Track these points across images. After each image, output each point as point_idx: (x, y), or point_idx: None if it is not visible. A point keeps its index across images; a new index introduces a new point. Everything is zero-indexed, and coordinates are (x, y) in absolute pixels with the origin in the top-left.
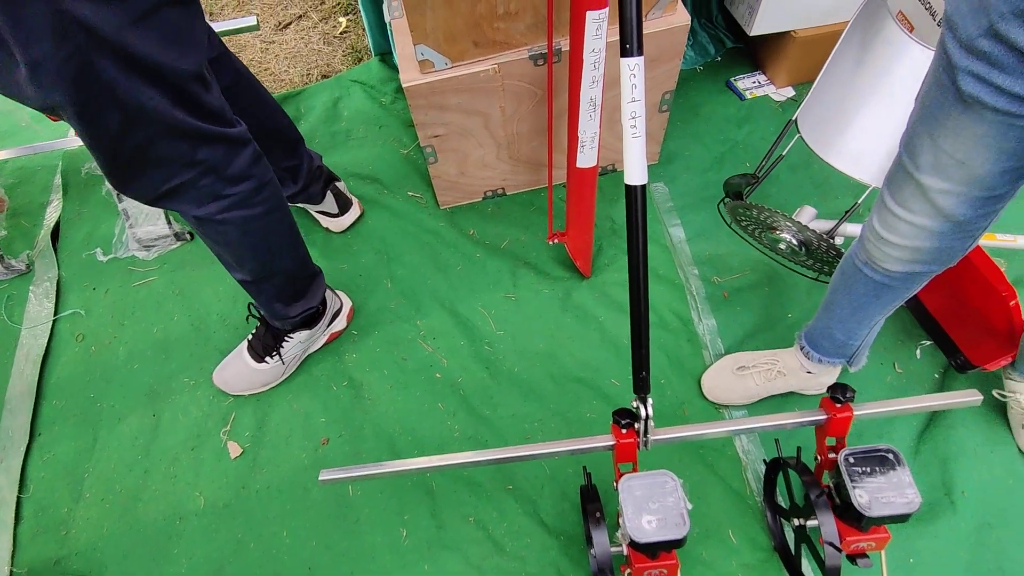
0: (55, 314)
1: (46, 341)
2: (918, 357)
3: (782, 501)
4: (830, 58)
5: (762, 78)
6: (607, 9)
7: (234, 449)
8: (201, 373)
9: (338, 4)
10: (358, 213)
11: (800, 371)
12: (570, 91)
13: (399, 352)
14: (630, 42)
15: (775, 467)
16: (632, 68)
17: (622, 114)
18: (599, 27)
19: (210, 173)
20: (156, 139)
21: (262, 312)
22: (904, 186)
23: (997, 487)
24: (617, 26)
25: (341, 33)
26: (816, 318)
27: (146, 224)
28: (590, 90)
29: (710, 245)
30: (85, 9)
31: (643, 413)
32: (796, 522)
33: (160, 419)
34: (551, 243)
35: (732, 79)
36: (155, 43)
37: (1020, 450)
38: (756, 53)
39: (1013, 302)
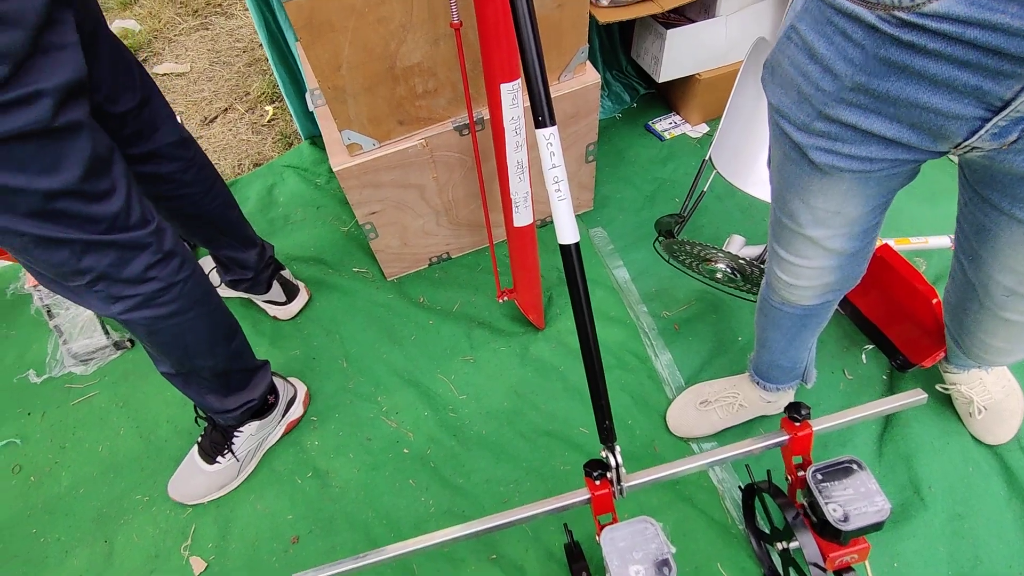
0: None
1: None
2: (864, 361)
3: (763, 526)
4: (731, 98)
5: (677, 118)
6: (519, 80)
7: (198, 565)
8: (155, 487)
9: (263, 93)
10: (306, 298)
11: (760, 401)
12: (497, 157)
13: (363, 432)
14: (542, 114)
15: (751, 493)
16: (548, 137)
17: (545, 179)
18: (514, 97)
19: (103, 279)
20: (32, 248)
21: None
22: (794, 241)
23: (959, 477)
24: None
25: (269, 121)
26: (757, 353)
27: (81, 338)
28: (515, 154)
29: (654, 281)
30: None
31: (613, 462)
32: (780, 546)
33: (113, 545)
34: (501, 301)
35: (650, 122)
36: (4, 171)
37: (972, 436)
38: (668, 96)
39: (935, 300)
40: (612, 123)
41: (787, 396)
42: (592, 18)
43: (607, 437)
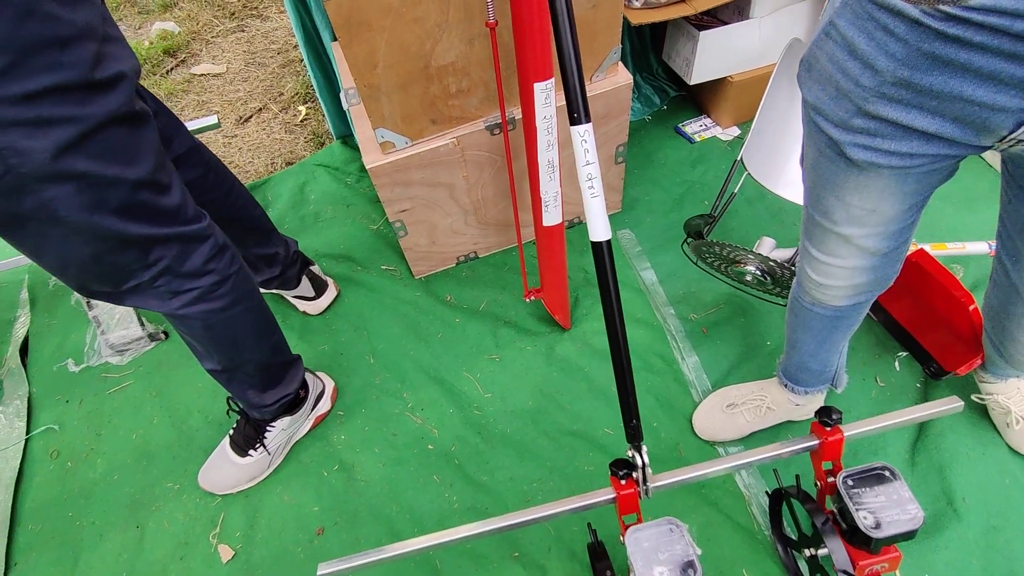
0: (27, 433)
1: (18, 463)
2: (897, 369)
3: (790, 532)
4: (763, 99)
5: (708, 121)
6: (552, 80)
7: (225, 553)
8: (186, 476)
9: (296, 94)
10: (335, 294)
11: (788, 404)
12: (528, 156)
13: (388, 428)
14: (577, 111)
15: (778, 498)
16: (582, 135)
17: (579, 176)
18: (547, 96)
19: (165, 273)
20: (105, 253)
21: (238, 403)
22: (827, 239)
23: (995, 489)
24: (563, 91)
25: (302, 121)
26: (786, 355)
27: (118, 329)
28: (546, 153)
29: (682, 284)
30: (13, 135)
31: (639, 461)
32: (807, 552)
33: (144, 531)
34: (528, 300)
35: (680, 125)
36: (98, 160)
37: (1010, 448)
38: (699, 99)
39: (972, 306)
40: (642, 125)
41: (816, 401)
42: (624, 20)
43: (634, 436)
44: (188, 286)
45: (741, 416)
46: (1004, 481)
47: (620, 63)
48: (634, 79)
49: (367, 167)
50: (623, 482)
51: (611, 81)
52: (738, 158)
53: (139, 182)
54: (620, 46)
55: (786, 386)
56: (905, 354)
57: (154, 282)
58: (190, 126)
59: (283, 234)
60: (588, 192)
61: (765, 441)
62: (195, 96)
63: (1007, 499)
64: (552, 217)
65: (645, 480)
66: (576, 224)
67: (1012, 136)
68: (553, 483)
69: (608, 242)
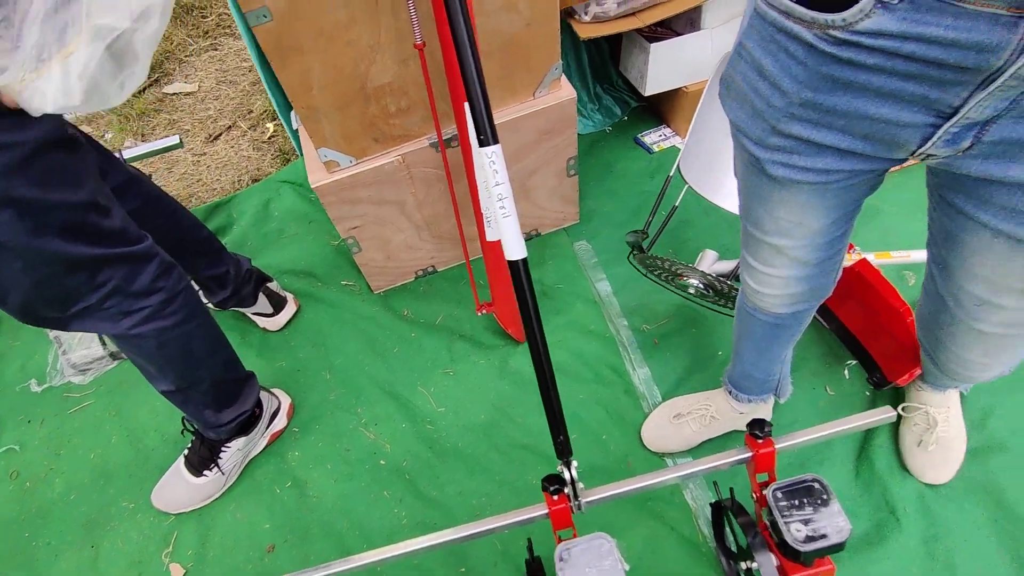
0: None
1: None
2: (847, 377)
3: (732, 545)
4: (698, 109)
5: (667, 131)
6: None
7: (176, 571)
8: (141, 495)
9: (265, 111)
10: (294, 309)
11: (732, 412)
12: (467, 174)
13: (342, 444)
14: (484, 133)
15: (718, 510)
16: (490, 156)
17: (491, 197)
18: None
19: (115, 294)
20: (51, 277)
21: (194, 423)
22: (760, 249)
23: (935, 497)
24: (511, 107)
25: (269, 138)
26: (732, 363)
27: (80, 348)
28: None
29: (636, 295)
30: None
31: (567, 476)
32: (744, 566)
33: (99, 550)
34: (480, 314)
35: (639, 135)
36: (39, 185)
37: (907, 471)
38: (658, 109)
39: (910, 318)
40: (602, 136)
41: (761, 410)
42: (575, 33)
43: (562, 452)
44: (138, 305)
45: (688, 426)
46: (943, 491)
47: (564, 78)
48: (594, 91)
49: (312, 186)
50: (555, 497)
51: (554, 96)
52: (674, 168)
53: (81, 204)
54: (560, 62)
55: (731, 393)
56: (855, 363)
57: (103, 303)
58: (152, 147)
59: (235, 253)
60: (500, 212)
61: (714, 452)
62: (167, 115)
63: (946, 508)
64: (495, 232)
65: (576, 495)
66: (534, 236)
67: (921, 150)
68: (502, 497)
69: (524, 260)
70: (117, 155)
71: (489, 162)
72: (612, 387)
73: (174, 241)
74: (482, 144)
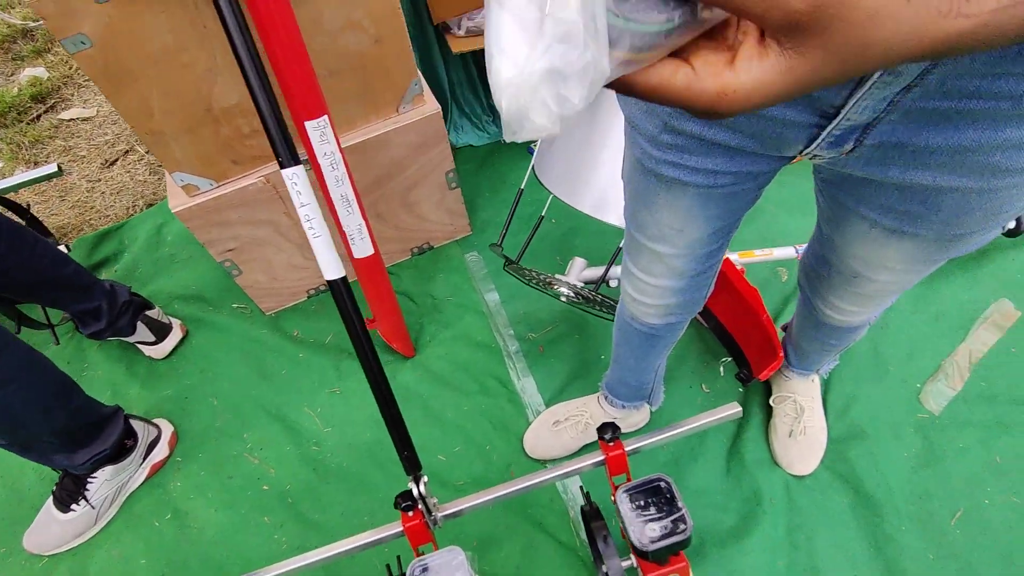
0: None
1: None
2: (722, 374)
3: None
4: None
5: None
6: (326, 116)
7: None
8: (15, 538)
9: None
10: (180, 336)
11: (605, 418)
12: (322, 192)
13: (225, 471)
14: (282, 155)
15: (585, 515)
16: (291, 177)
17: (300, 218)
18: (323, 133)
19: None
20: None
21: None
22: (642, 255)
23: (800, 488)
24: (377, 123)
25: None
26: (611, 368)
27: None
28: (337, 188)
29: (523, 304)
30: None
31: (416, 492)
32: (603, 569)
33: None
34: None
35: (532, 145)
36: None
37: (776, 463)
38: None
39: (765, 315)
40: (496, 148)
41: (636, 415)
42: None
43: (410, 467)
44: None
45: (565, 433)
46: (806, 481)
47: (428, 92)
48: (487, 102)
49: (173, 211)
50: (410, 514)
51: (419, 112)
52: (523, 183)
53: None
54: (419, 77)
55: (606, 398)
56: (729, 359)
57: None
58: (27, 176)
59: (114, 283)
60: (309, 232)
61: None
62: (62, 142)
63: (809, 496)
64: (362, 249)
65: (430, 510)
66: (426, 250)
67: (807, 151)
68: (384, 515)
69: (343, 279)
70: None
71: (292, 183)
72: (496, 397)
73: (34, 279)
74: (282, 166)
